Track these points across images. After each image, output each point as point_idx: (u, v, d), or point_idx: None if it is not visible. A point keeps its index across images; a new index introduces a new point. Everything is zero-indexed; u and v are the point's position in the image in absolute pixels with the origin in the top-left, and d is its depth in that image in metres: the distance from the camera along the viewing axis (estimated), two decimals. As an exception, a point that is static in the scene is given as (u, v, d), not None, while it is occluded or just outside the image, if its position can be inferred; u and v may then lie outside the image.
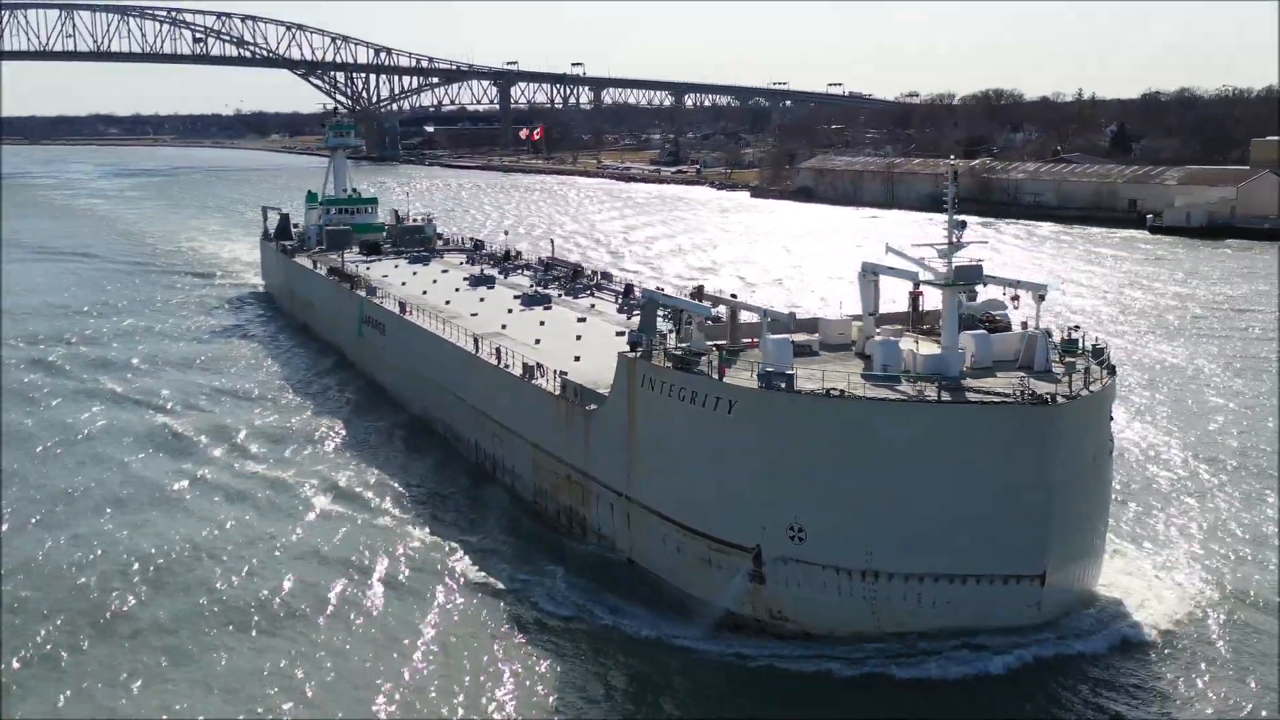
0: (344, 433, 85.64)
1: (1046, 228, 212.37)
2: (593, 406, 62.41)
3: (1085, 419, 49.86)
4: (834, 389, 49.32)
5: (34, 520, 67.33)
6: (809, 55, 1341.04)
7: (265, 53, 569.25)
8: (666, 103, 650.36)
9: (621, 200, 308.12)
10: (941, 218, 53.43)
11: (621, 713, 46.73)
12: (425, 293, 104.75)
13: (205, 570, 60.20)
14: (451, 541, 63.53)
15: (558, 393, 66.46)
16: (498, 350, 75.84)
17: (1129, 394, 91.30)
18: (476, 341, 79.27)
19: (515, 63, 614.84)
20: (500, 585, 57.70)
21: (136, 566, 60.21)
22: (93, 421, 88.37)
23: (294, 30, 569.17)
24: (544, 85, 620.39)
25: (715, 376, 52.69)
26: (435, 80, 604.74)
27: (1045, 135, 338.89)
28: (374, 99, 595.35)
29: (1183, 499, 68.55)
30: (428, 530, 65.44)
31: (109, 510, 69.28)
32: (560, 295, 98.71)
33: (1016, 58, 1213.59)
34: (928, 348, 54.81)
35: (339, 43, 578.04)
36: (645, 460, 57.49)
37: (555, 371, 68.20)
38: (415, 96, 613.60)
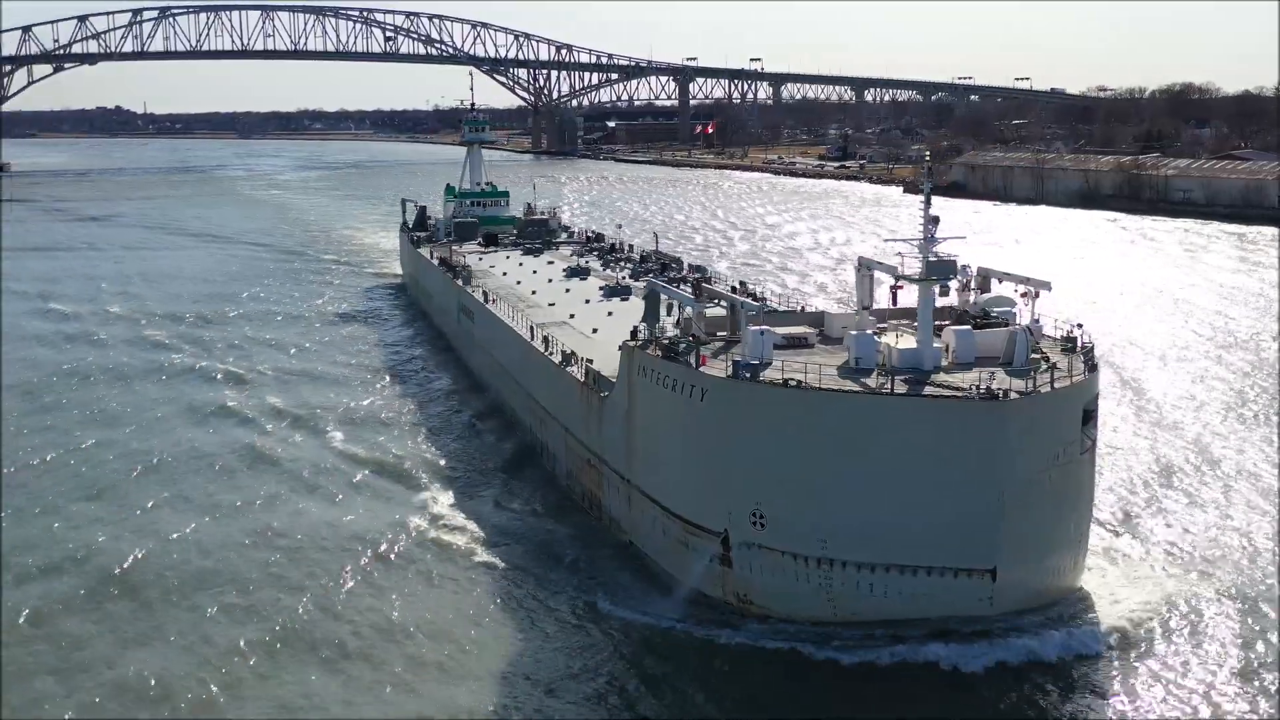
0: (417, 415, 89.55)
1: (1172, 224, 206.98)
2: (605, 394, 64.74)
3: (1045, 415, 49.66)
4: (792, 379, 50.50)
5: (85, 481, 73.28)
6: (996, 50, 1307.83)
7: (451, 50, 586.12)
8: (847, 98, 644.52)
9: (771, 193, 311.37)
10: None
11: (573, 682, 48.75)
12: (519, 283, 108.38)
13: (222, 540, 63.74)
14: (473, 522, 65.94)
15: (582, 380, 69.00)
16: (545, 338, 78.75)
17: (1175, 384, 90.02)
18: (532, 329, 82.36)
19: (695, 59, 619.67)
20: (500, 564, 59.91)
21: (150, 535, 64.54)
22: (180, 396, 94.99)
23: (478, 28, 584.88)
24: (722, 80, 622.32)
25: (694, 365, 54.44)
26: (615, 76, 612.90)
27: (1230, 131, 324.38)
28: (555, 95, 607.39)
29: (1203, 495, 67.73)
30: (454, 510, 67.93)
31: (154, 477, 74.51)
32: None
33: (1222, 52, 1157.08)
34: (909, 342, 55.31)
35: (521, 40, 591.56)
36: (641, 445, 59.57)
37: (583, 359, 70.70)
38: (595, 92, 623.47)
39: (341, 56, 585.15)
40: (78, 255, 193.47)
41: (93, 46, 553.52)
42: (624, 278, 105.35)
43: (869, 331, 55.77)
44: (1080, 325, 58.67)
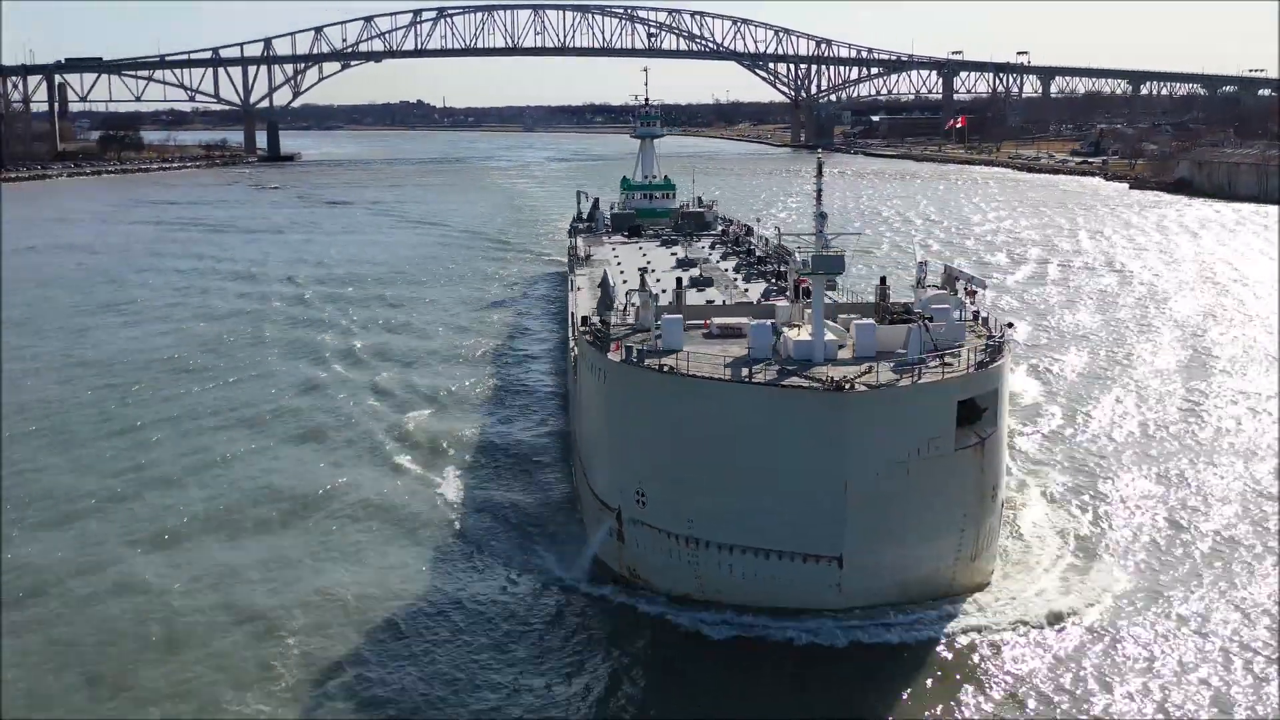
0: (493, 394, 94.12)
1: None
2: (576, 377, 68.47)
3: (900, 409, 50.30)
4: (666, 365, 53.05)
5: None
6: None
7: (712, 46, 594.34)
8: (1120, 91, 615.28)
9: (996, 188, 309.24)
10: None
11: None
12: (622, 271, 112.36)
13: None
14: (469, 495, 69.40)
15: (573, 364, 72.89)
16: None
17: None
18: (573, 315, 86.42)
19: (960, 52, 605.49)
20: (461, 533, 63.72)
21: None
22: (283, 365, 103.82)
23: (739, 24, 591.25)
24: (986, 74, 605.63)
25: (603, 351, 57.59)
26: (875, 71, 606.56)
27: None
28: (814, 90, 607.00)
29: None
30: (457, 483, 71.64)
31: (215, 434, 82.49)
32: (735, 280, 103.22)
33: None
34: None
35: (781, 35, 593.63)
36: (582, 426, 63.20)
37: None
38: (855, 87, 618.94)
39: (606, 53, 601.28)
40: (284, 236, 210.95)
41: (377, 45, 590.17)
42: (726, 270, 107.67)
43: (768, 323, 57.46)
44: (1011, 325, 58.79)
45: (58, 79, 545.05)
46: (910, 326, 55.63)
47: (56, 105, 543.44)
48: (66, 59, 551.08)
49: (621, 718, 45.54)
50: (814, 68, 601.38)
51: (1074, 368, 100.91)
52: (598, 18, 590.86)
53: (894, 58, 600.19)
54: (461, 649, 50.29)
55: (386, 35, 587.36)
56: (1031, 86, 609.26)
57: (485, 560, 59.78)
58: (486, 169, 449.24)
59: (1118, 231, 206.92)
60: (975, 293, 61.02)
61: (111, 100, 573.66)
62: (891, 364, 53.10)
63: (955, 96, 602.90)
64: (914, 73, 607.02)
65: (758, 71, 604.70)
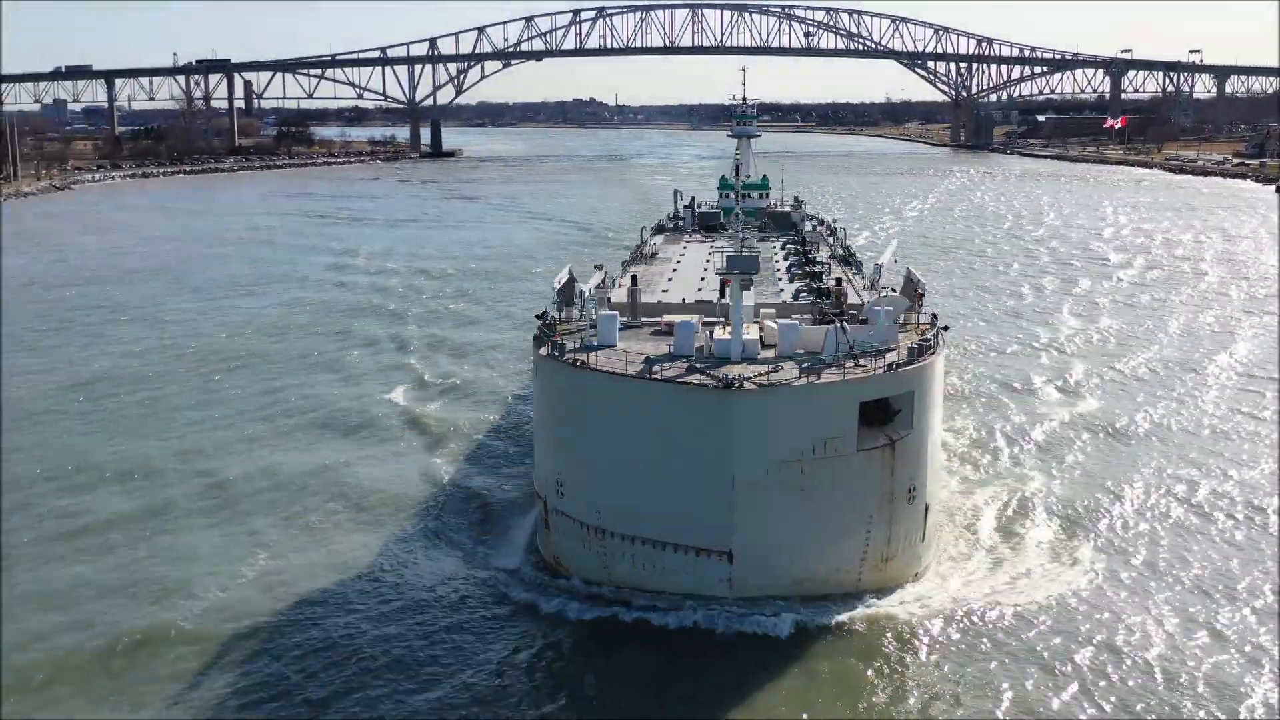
0: (515, 384, 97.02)
1: None
2: (545, 371, 70.29)
3: (793, 408, 50.77)
4: (579, 359, 54.60)
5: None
6: None
7: (870, 44, 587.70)
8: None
9: (1130, 189, 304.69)
10: None
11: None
12: (675, 268, 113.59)
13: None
14: (446, 486, 70.92)
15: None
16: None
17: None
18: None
19: (1129, 50, 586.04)
20: (426, 517, 65.92)
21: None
22: (329, 345, 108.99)
23: (897, 23, 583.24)
24: (1155, 73, 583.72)
25: (538, 346, 59.42)
26: (1039, 70, 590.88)
27: None
28: (974, 89, 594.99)
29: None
30: (444, 469, 74.20)
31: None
32: (781, 280, 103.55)
33: None
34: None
35: (940, 34, 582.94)
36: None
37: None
38: (1016, 86, 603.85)
39: (762, 51, 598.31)
40: (397, 229, 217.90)
41: (538, 44, 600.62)
42: (779, 270, 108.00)
43: (693, 319, 58.44)
44: (948, 327, 58.58)
45: (238, 78, 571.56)
46: (828, 327, 56.01)
47: (238, 103, 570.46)
48: (198, 60, 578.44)
49: (510, 710, 46.56)
50: (974, 66, 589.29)
51: (1107, 367, 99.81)
52: (755, 16, 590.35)
53: (1058, 56, 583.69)
54: (379, 633, 52.19)
55: (547, 35, 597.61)
56: (1204, 86, 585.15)
57: (430, 543, 62.09)
58: (630, 166, 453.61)
59: (1235, 234, 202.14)
60: (922, 295, 60.95)
61: (285, 97, 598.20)
62: (803, 364, 53.66)
63: (1125, 96, 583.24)
64: (1079, 72, 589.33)
65: (916, 70, 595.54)
